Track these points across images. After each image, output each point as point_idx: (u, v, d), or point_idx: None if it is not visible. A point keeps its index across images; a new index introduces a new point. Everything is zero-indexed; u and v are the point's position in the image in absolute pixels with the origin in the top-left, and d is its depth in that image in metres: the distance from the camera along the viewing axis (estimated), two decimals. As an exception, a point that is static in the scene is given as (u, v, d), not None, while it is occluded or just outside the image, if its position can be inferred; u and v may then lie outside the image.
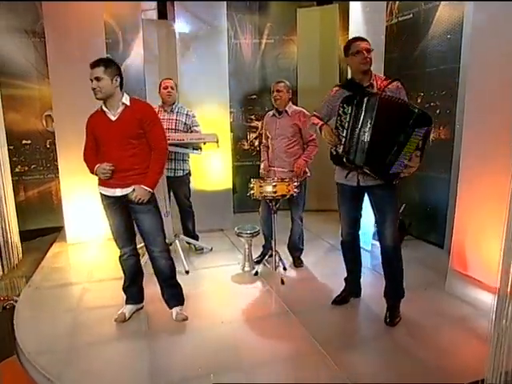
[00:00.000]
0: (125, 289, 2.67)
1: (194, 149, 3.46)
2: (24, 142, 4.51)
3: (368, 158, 2.26)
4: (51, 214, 4.59)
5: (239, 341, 2.41)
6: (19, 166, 4.53)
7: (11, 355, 2.46)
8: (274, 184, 3.02)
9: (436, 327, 2.46)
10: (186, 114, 3.61)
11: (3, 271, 3.53)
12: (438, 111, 3.66)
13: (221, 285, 3.18)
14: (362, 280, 2.82)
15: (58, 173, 4.12)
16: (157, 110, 3.51)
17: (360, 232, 2.66)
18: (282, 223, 3.44)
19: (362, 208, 2.56)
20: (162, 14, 4.71)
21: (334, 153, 2.38)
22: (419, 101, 3.79)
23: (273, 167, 3.34)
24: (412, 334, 2.40)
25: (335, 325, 2.57)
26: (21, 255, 3.89)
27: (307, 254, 3.57)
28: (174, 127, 3.56)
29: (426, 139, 2.24)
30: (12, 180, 3.93)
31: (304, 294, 2.96)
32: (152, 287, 2.74)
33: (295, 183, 3.06)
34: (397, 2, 4.02)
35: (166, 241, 2.95)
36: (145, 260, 2.81)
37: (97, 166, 2.34)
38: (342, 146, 2.33)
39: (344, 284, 2.80)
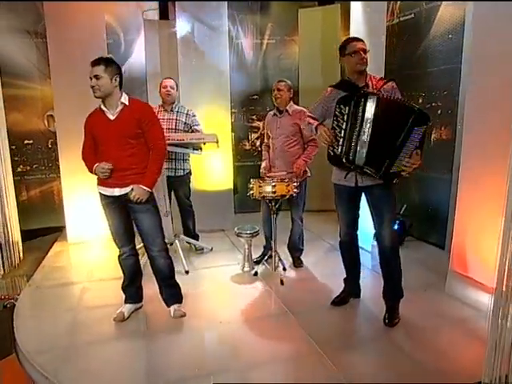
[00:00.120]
0: (124, 288, 2.68)
1: (194, 149, 3.46)
2: (26, 141, 4.53)
3: (369, 157, 2.25)
4: (53, 213, 4.61)
5: (237, 341, 2.41)
6: (21, 166, 4.55)
7: (11, 354, 2.47)
8: (274, 184, 3.01)
9: (435, 328, 2.44)
10: (186, 114, 3.62)
11: (4, 270, 3.55)
12: (439, 111, 3.64)
13: (220, 285, 3.18)
14: (361, 281, 2.81)
15: (59, 173, 4.15)
16: (157, 110, 3.52)
17: (358, 232, 2.65)
18: (283, 223, 3.44)
19: (359, 208, 2.55)
20: (164, 14, 4.71)
21: (332, 153, 2.37)
22: (420, 101, 3.77)
23: (273, 167, 3.34)
24: (411, 335, 2.39)
25: (334, 325, 2.56)
26: (22, 254, 3.91)
27: (307, 254, 3.56)
28: (174, 127, 3.56)
29: (424, 138, 2.23)
30: (14, 179, 3.94)
31: (303, 295, 2.95)
32: (151, 287, 2.75)
33: (295, 183, 3.05)
34: (398, 2, 4.01)
35: (167, 240, 2.96)
36: (144, 260, 2.81)
37: (95, 165, 2.35)
38: (340, 147, 2.32)
39: (343, 285, 2.79)
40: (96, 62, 2.28)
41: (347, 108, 2.26)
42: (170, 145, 3.09)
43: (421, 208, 3.93)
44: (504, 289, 1.68)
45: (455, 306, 2.69)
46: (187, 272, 3.33)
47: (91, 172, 2.41)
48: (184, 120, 3.59)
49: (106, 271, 3.36)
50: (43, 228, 4.52)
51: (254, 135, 5.26)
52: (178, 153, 3.51)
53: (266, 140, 3.52)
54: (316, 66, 5.04)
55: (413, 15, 3.86)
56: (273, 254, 3.28)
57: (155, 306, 2.70)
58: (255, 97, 5.16)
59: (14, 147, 4.27)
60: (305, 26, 5.07)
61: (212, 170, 4.42)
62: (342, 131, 2.29)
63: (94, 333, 2.50)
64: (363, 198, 2.50)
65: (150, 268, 2.64)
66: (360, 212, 2.57)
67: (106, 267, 3.44)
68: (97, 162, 2.35)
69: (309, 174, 3.32)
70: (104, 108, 2.35)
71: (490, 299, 1.80)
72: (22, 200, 4.47)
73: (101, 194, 2.44)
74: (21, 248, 3.90)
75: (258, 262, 3.43)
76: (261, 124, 5.06)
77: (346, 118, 2.27)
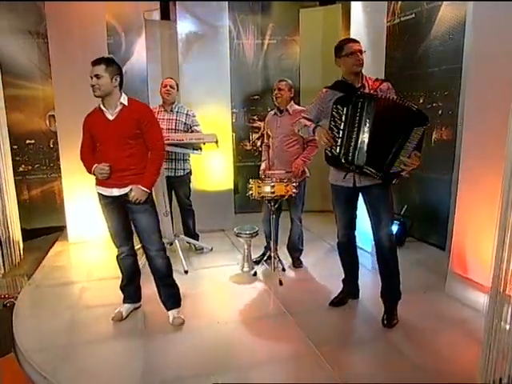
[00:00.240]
0: (122, 288, 2.68)
1: (194, 149, 3.47)
2: (28, 141, 4.56)
3: (369, 157, 2.25)
4: (54, 213, 4.63)
5: (236, 341, 2.41)
6: (23, 166, 4.58)
7: (11, 352, 2.48)
8: (272, 184, 3.01)
9: (435, 330, 2.43)
10: (186, 114, 3.62)
11: (5, 269, 3.56)
12: (440, 112, 3.62)
13: (219, 285, 3.18)
14: (360, 281, 2.80)
15: (60, 172, 4.16)
16: (157, 110, 3.53)
17: (358, 233, 2.64)
18: (282, 224, 3.45)
19: (357, 208, 2.54)
20: (165, 14, 4.72)
21: (330, 154, 2.36)
22: (421, 101, 3.76)
23: (273, 167, 3.34)
24: (410, 336, 2.38)
25: (332, 326, 2.55)
26: (22, 253, 3.92)
27: (307, 254, 3.56)
28: (173, 127, 3.57)
29: (423, 138, 2.23)
30: (15, 179, 3.97)
31: (302, 295, 2.95)
32: (149, 287, 2.74)
33: (294, 184, 3.05)
34: (399, 2, 4.00)
35: (167, 240, 2.97)
36: (143, 262, 2.82)
37: (94, 166, 2.36)
38: (338, 147, 2.31)
39: (342, 285, 2.78)
40: (97, 62, 2.29)
41: (345, 108, 2.25)
42: (169, 145, 3.10)
43: (421, 209, 3.91)
44: (501, 290, 1.67)
45: (455, 307, 2.67)
46: (186, 272, 3.34)
47: (89, 172, 2.41)
48: (184, 120, 3.60)
49: (106, 271, 3.36)
50: (44, 227, 4.54)
51: (255, 135, 5.26)
52: (178, 153, 3.51)
53: (266, 140, 3.52)
54: (317, 66, 5.03)
55: (413, 15, 3.84)
56: (272, 254, 3.27)
57: (153, 306, 2.70)
58: (256, 97, 5.16)
59: (15, 147, 4.30)
60: (306, 26, 5.07)
61: (212, 170, 4.42)
62: (340, 132, 2.29)
63: (93, 332, 2.51)
64: (360, 199, 2.50)
65: (148, 268, 2.63)
66: (358, 212, 2.57)
67: (106, 267, 3.44)
68: (95, 163, 2.36)
69: (308, 175, 3.31)
70: (103, 108, 2.35)
71: (484, 300, 1.79)
72: (23, 199, 4.50)
73: (99, 194, 2.45)
74: (21, 247, 3.93)
75: (257, 262, 3.43)
76: (262, 124, 5.05)
77: (344, 118, 2.26)
